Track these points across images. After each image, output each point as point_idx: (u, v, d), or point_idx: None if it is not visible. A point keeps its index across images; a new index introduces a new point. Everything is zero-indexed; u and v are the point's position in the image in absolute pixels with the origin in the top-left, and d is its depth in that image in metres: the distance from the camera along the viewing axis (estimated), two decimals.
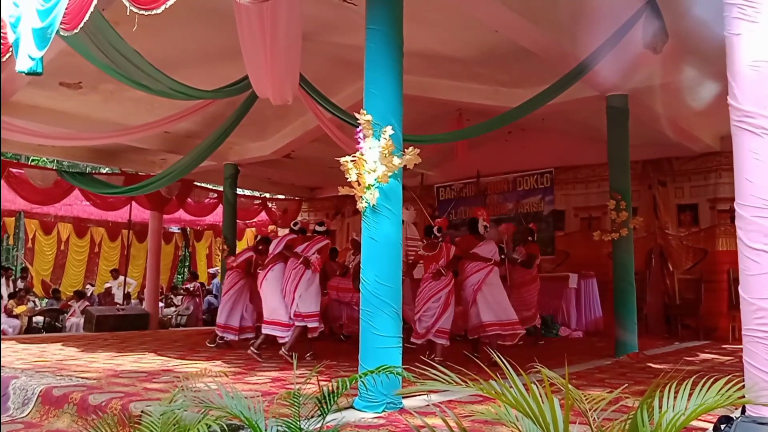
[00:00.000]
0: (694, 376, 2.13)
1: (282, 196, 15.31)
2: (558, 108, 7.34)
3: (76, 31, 4.13)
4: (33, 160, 15.67)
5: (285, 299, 6.70)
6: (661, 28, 5.64)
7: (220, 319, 7.86)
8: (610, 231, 7.36)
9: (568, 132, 9.99)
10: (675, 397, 2.06)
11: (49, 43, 4.23)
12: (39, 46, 4.30)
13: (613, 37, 5.75)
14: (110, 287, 14.44)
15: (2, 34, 4.57)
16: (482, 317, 6.41)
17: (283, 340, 6.64)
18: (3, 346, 7.93)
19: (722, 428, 2.66)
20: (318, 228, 7.16)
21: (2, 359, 6.43)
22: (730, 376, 2.04)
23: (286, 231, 7.48)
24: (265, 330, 6.81)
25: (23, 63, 4.32)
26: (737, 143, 2.92)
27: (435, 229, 6.70)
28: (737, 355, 7.57)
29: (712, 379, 2.07)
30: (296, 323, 6.61)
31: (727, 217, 9.49)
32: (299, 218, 8.03)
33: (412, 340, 6.49)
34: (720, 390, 2.00)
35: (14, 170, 10.58)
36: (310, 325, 6.62)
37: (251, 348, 6.79)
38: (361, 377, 3.21)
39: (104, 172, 14.15)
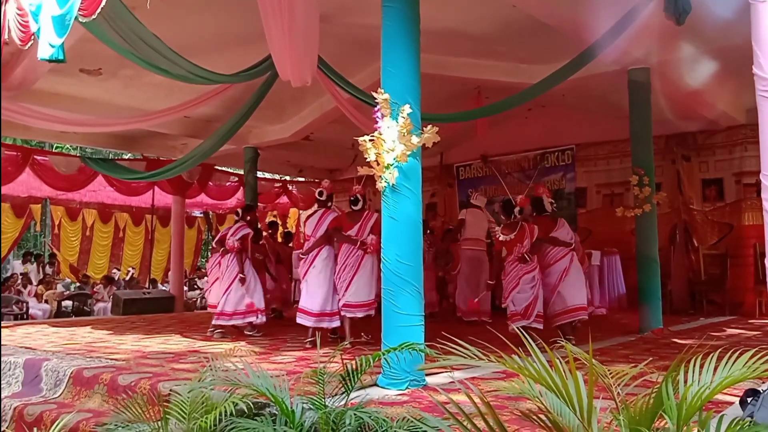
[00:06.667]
0: (719, 350, 2.12)
1: (302, 179, 15.36)
2: (578, 83, 7.22)
3: (93, 16, 4.16)
4: (57, 147, 15.87)
5: (337, 287, 6.16)
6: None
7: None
8: (633, 207, 7.27)
9: (589, 108, 9.86)
10: (700, 371, 2.05)
11: (68, 30, 4.27)
12: (58, 33, 4.34)
13: (634, 9, 5.62)
14: (130, 271, 14.79)
15: (23, 23, 4.62)
16: (568, 302, 6.20)
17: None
18: (34, 330, 8.14)
19: (749, 401, 2.64)
20: (354, 207, 6.32)
21: (34, 342, 6.60)
22: (756, 349, 2.02)
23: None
24: (316, 323, 6.17)
25: (44, 51, 4.37)
26: (763, 114, 2.86)
27: (516, 210, 6.29)
28: (764, 330, 7.54)
29: (738, 353, 2.05)
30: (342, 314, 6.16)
31: (753, 191, 9.31)
32: (323, 184, 6.73)
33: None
34: (746, 363, 1.99)
35: (39, 158, 10.74)
36: (359, 315, 6.13)
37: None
38: (384, 355, 3.24)
39: (126, 157, 14.29)
